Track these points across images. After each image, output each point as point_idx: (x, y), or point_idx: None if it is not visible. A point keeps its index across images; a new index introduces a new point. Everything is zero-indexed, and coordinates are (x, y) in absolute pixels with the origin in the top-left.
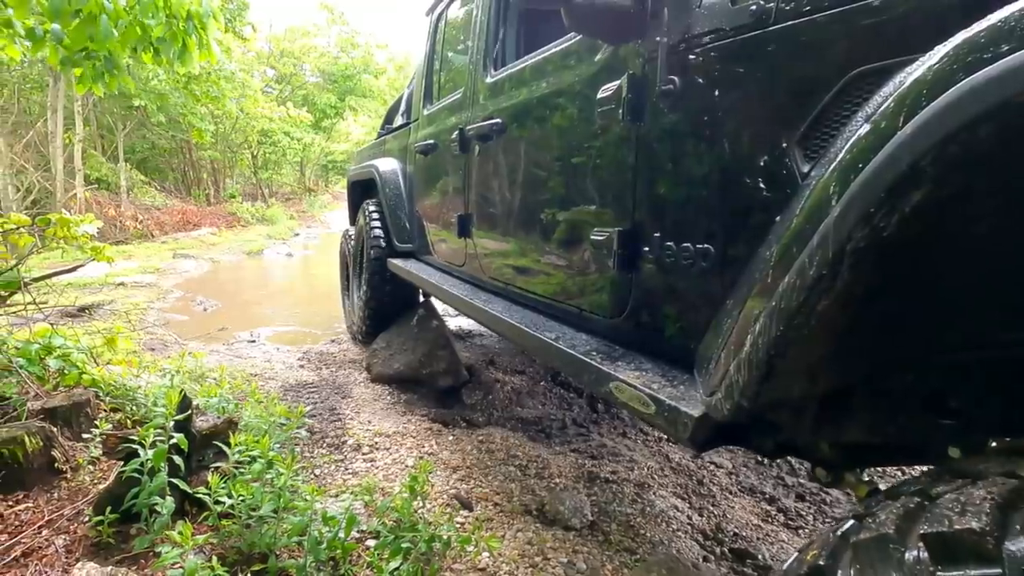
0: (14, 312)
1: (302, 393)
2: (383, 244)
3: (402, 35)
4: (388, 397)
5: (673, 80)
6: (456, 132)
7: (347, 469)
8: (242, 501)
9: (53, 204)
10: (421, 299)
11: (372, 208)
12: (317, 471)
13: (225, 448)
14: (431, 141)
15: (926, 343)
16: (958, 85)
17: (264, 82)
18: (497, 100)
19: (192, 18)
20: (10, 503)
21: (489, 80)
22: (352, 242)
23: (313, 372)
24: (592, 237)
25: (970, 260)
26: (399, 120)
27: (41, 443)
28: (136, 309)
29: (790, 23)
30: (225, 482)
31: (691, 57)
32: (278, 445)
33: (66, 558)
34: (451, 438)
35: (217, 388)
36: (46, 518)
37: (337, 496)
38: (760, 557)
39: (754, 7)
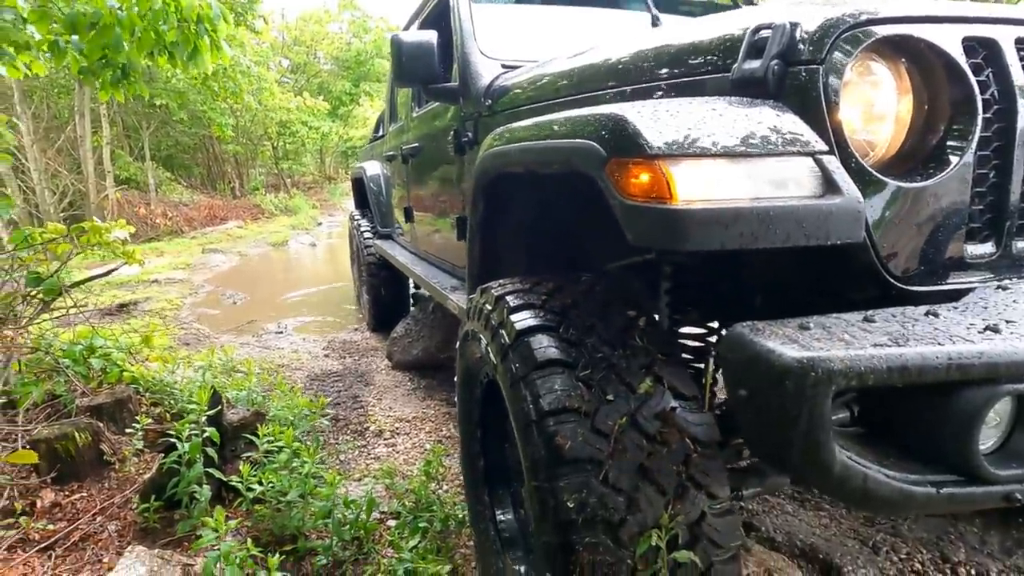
0: (58, 316)
1: (327, 382)
2: (371, 231)
3: None
4: (408, 383)
5: (467, 133)
6: (399, 148)
7: (369, 454)
8: (271, 488)
9: (87, 205)
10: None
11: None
12: (342, 456)
13: (255, 439)
14: (391, 152)
15: (576, 258)
16: (481, 156)
17: (279, 72)
18: (418, 129)
19: (202, 20)
20: (66, 493)
21: (415, 115)
22: (355, 224)
23: (337, 361)
24: (449, 220)
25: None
26: (382, 130)
27: (90, 438)
28: (170, 306)
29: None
30: (255, 470)
31: (472, 123)
32: (304, 435)
33: (118, 542)
34: None
35: (246, 381)
36: (99, 506)
37: (360, 480)
38: None
39: (488, 103)
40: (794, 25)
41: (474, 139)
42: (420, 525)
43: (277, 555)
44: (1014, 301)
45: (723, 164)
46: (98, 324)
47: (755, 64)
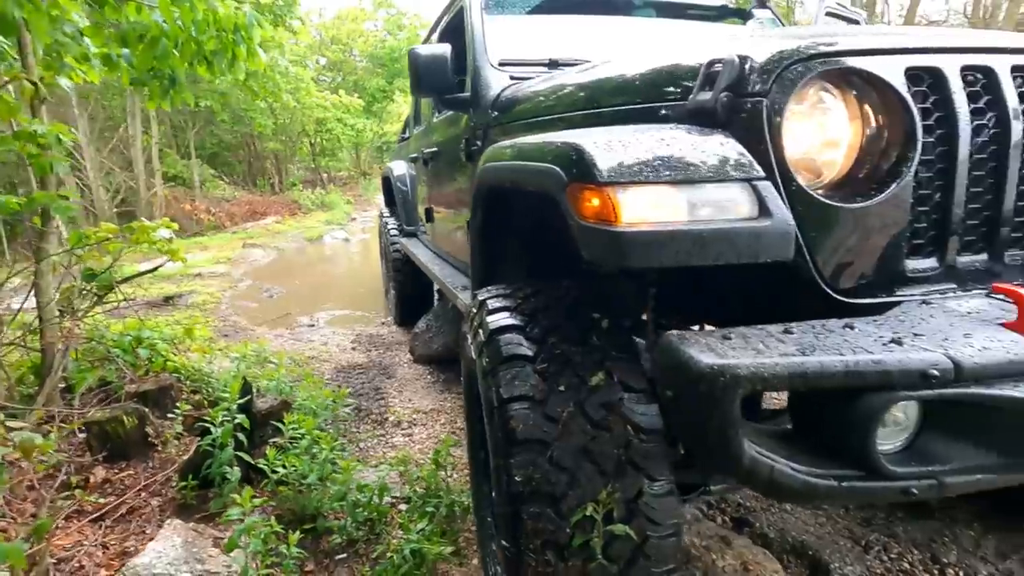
0: (109, 308)
1: (352, 374)
2: (397, 229)
3: None
4: (429, 376)
5: (476, 142)
6: (421, 151)
7: (387, 443)
8: (294, 471)
9: (138, 202)
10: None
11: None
12: (362, 444)
13: (281, 426)
14: (415, 154)
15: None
16: (479, 169)
17: (316, 71)
18: (437, 134)
19: (240, 29)
20: (115, 471)
21: (435, 120)
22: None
23: (363, 354)
24: (461, 222)
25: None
26: (408, 132)
27: (136, 421)
28: (211, 299)
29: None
30: (280, 455)
31: (481, 132)
32: (327, 423)
33: (159, 516)
34: None
35: (275, 372)
36: (143, 483)
37: (377, 466)
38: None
39: (495, 114)
40: (743, 59)
41: (482, 148)
42: (428, 510)
43: (297, 532)
44: (931, 316)
45: (665, 190)
46: (145, 316)
47: (707, 95)
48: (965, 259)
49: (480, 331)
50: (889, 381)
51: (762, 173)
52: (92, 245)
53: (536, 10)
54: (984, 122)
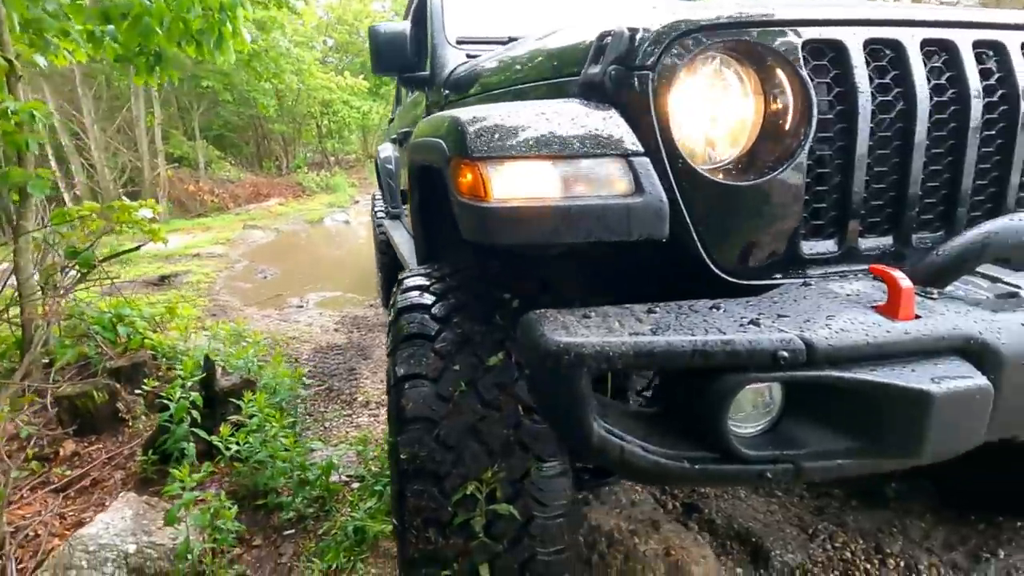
0: (92, 286)
1: (329, 355)
2: (383, 211)
3: None
4: None
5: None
6: (398, 132)
7: (352, 422)
8: (247, 447)
9: (142, 182)
10: None
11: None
12: (327, 423)
13: (241, 403)
14: (395, 136)
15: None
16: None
17: (323, 52)
18: (407, 114)
19: (225, 8)
20: (85, 444)
21: (407, 100)
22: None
23: (344, 335)
24: None
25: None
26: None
27: (107, 397)
28: (206, 279)
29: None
30: (235, 432)
31: (437, 110)
32: (287, 402)
33: (122, 488)
34: None
35: (244, 351)
36: (108, 456)
37: (336, 446)
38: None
39: (446, 92)
40: (633, 31)
41: None
42: (377, 488)
43: (235, 507)
44: (804, 297)
45: (537, 164)
46: (140, 294)
47: (596, 69)
48: (869, 242)
49: (392, 312)
50: (738, 362)
51: (639, 148)
52: (71, 222)
53: None
54: (889, 98)
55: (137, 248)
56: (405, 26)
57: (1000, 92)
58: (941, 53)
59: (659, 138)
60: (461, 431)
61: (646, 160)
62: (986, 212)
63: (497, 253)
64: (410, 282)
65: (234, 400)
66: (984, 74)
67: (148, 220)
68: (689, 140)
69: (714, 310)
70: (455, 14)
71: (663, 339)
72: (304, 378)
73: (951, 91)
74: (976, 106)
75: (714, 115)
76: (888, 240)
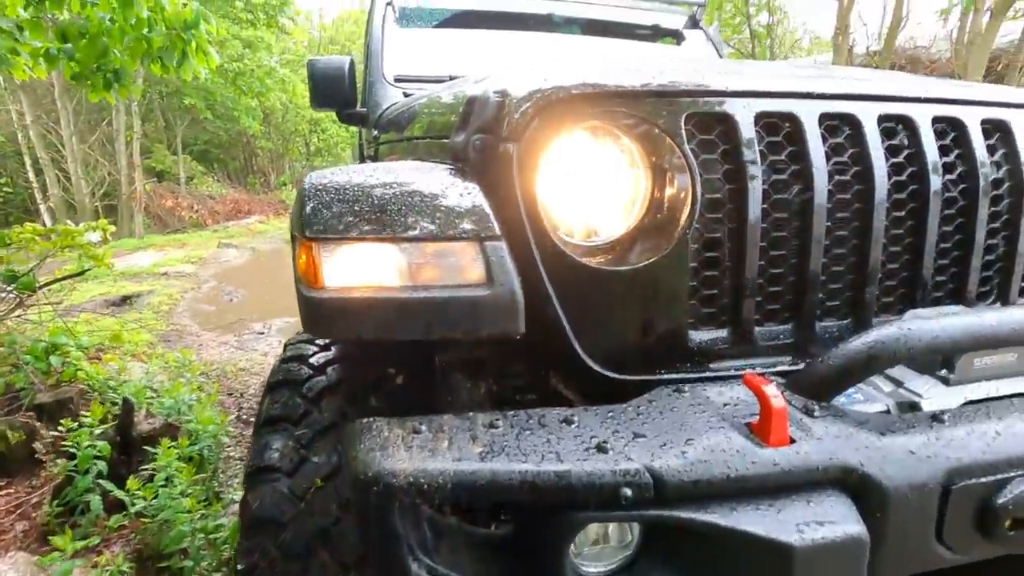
0: (44, 307)
1: None
2: None
3: None
4: None
5: (370, 155)
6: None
7: None
8: (155, 503)
9: (120, 196)
10: None
11: None
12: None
13: (157, 452)
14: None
15: None
16: None
17: None
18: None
19: (189, 27)
20: None
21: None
22: None
23: None
24: None
25: None
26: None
27: (24, 436)
28: (169, 300)
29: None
30: (145, 484)
31: (373, 149)
32: (206, 448)
33: (21, 541)
34: None
35: (177, 388)
36: (16, 504)
37: None
38: None
39: (375, 133)
40: (501, 96)
41: (369, 156)
42: None
43: (151, 569)
44: (672, 409)
45: (375, 248)
46: (98, 315)
47: (461, 137)
48: (765, 330)
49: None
50: (574, 498)
51: (495, 232)
52: (9, 245)
53: (450, 23)
54: (784, 178)
55: (81, 273)
56: (345, 60)
57: (909, 171)
58: (843, 128)
59: (525, 218)
60: (310, 537)
61: (501, 245)
62: (900, 298)
63: None
64: (292, 351)
65: (150, 448)
66: (840, 157)
67: (94, 244)
68: (560, 221)
69: (564, 425)
70: (395, 50)
71: (488, 467)
72: (241, 417)
73: (854, 168)
74: (881, 186)
75: (588, 193)
76: (787, 328)
